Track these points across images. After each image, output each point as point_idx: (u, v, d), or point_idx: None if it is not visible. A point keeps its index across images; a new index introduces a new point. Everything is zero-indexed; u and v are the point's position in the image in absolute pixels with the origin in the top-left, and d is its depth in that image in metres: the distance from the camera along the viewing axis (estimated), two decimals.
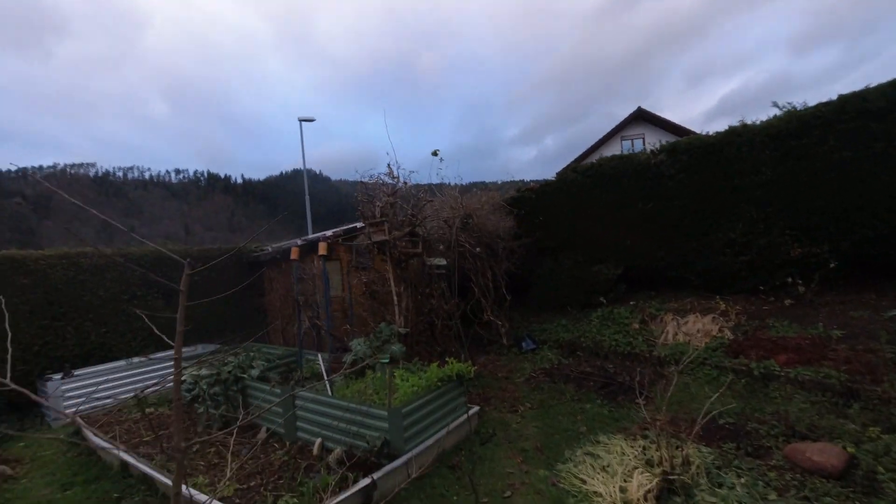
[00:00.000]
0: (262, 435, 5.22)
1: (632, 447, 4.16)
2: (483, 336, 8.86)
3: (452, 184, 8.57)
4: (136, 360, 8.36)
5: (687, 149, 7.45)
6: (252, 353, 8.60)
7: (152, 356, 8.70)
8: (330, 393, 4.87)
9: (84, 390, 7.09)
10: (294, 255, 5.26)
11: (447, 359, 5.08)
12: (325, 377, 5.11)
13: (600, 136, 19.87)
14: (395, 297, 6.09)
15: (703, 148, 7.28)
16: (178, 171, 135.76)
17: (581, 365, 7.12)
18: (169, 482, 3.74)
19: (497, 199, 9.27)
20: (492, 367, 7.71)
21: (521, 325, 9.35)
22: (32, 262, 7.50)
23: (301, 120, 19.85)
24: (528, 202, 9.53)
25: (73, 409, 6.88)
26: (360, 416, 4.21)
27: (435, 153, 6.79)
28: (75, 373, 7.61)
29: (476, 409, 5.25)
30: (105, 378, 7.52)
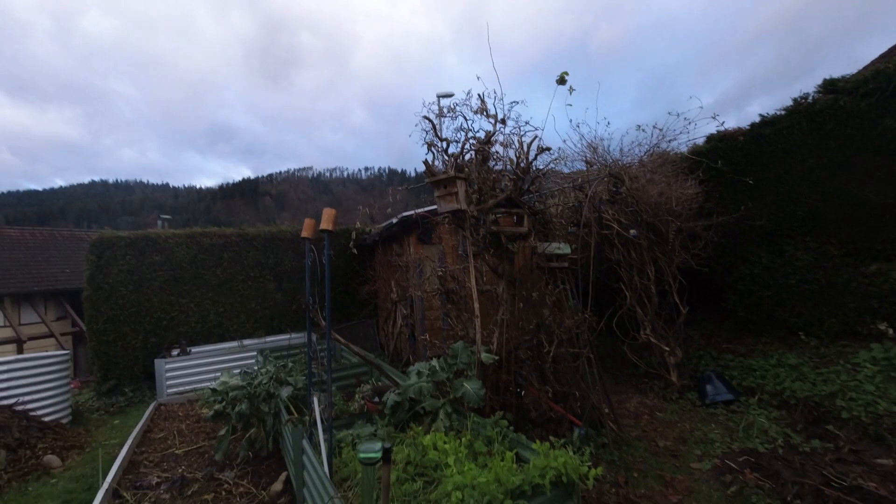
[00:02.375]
0: (278, 486, 3.75)
1: None
2: (635, 366, 5.82)
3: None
4: (246, 342, 8.26)
5: None
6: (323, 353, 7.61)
7: (266, 339, 8.53)
8: (326, 473, 2.96)
9: (185, 371, 7.06)
10: (307, 231, 3.51)
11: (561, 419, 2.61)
12: (320, 431, 3.27)
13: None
14: (474, 303, 3.83)
15: None
16: (366, 169, 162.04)
17: (843, 460, 3.61)
18: None
19: (668, 155, 5.92)
20: (648, 424, 4.75)
21: (703, 355, 5.90)
22: (162, 241, 7.90)
23: (439, 96, 18.83)
24: (730, 154, 5.84)
25: (167, 394, 6.87)
26: None
27: (562, 80, 4.15)
28: (192, 350, 7.79)
29: None
30: (210, 360, 7.44)
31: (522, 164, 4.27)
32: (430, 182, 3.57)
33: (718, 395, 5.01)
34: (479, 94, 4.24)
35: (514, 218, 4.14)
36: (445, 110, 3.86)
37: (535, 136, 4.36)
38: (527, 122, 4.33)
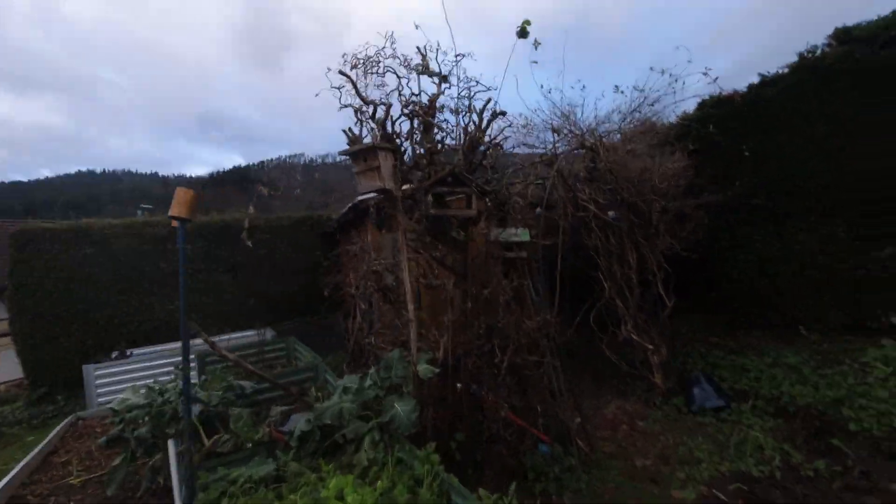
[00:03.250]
0: None
1: None
2: (614, 366, 5.17)
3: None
4: (197, 341, 7.53)
5: None
6: (284, 352, 6.91)
7: (221, 337, 7.81)
8: None
9: (120, 377, 6.36)
10: (179, 208, 2.69)
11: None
12: (174, 479, 2.59)
13: None
14: (408, 301, 3.10)
15: None
16: None
17: (853, 487, 2.99)
18: None
19: (651, 124, 5.13)
20: (626, 437, 4.11)
21: (691, 352, 5.26)
22: (96, 231, 7.10)
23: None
24: (724, 121, 5.06)
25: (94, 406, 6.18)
26: None
27: (523, 31, 3.33)
28: (135, 352, 7.08)
29: None
30: (152, 364, 6.73)
31: (472, 132, 3.50)
32: (343, 153, 2.80)
33: (707, 401, 4.37)
34: (419, 48, 3.44)
35: (461, 199, 3.40)
36: (365, 64, 3.05)
37: (489, 100, 3.58)
38: (477, 82, 3.55)
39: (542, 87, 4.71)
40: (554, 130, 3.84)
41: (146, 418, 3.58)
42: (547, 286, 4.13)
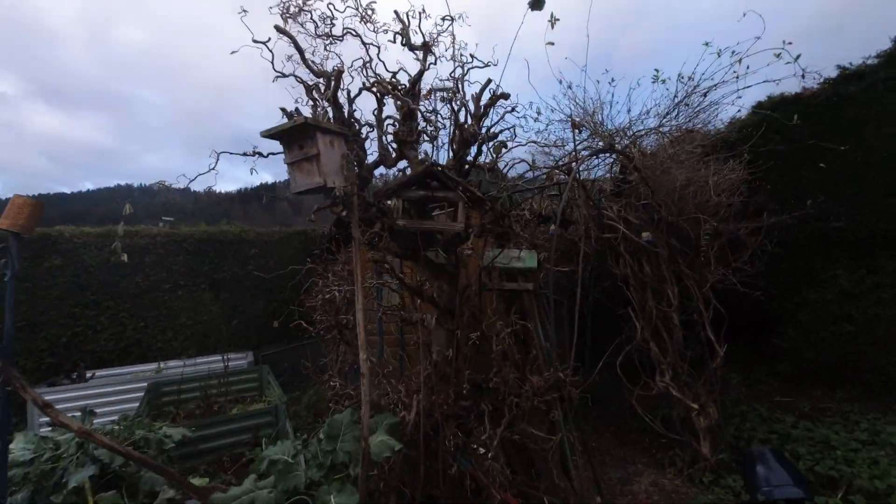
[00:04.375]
0: None
1: None
2: (644, 421, 4.07)
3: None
4: (171, 363, 6.77)
5: None
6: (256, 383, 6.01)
7: (197, 360, 7.02)
8: None
9: (70, 403, 5.58)
10: (9, 219, 1.91)
11: None
12: None
13: None
14: (360, 341, 2.16)
15: None
16: None
17: None
18: None
19: (697, 135, 4.14)
20: None
21: (747, 412, 4.13)
22: (65, 241, 6.50)
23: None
24: (790, 128, 4.03)
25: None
26: None
27: (536, 2, 2.49)
28: (97, 374, 6.34)
29: None
30: (111, 389, 5.96)
31: (467, 124, 2.65)
32: (268, 135, 1.97)
33: (777, 489, 3.23)
34: (397, 13, 2.64)
35: (443, 207, 2.52)
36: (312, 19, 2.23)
37: (489, 80, 2.74)
38: (473, 56, 2.71)
39: (560, 80, 3.86)
40: (574, 126, 2.95)
41: (24, 482, 2.73)
42: (567, 327, 3.16)
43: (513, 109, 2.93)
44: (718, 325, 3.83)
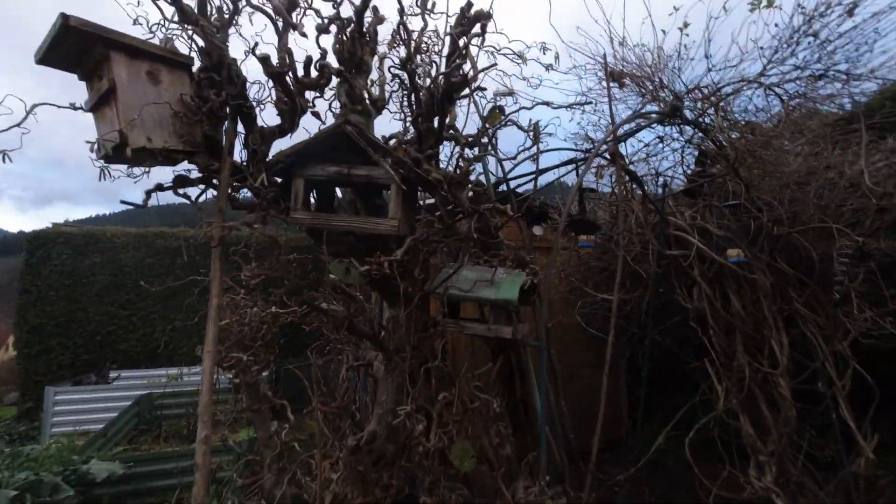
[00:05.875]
0: None
1: None
2: None
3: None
4: (194, 370, 6.60)
5: None
6: None
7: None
8: None
9: (84, 405, 5.52)
10: None
11: None
12: None
13: None
14: (203, 393, 1.31)
15: None
16: None
17: None
18: None
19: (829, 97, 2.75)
20: None
21: None
22: (106, 239, 6.66)
23: None
24: None
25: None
26: None
27: None
28: (123, 375, 6.33)
29: None
30: (128, 394, 5.84)
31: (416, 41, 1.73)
32: (39, 61, 1.23)
33: None
34: None
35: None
36: None
37: (469, 3, 1.81)
38: None
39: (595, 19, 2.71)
40: (613, 77, 1.84)
41: None
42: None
43: (521, 57, 1.96)
44: (862, 400, 2.41)
